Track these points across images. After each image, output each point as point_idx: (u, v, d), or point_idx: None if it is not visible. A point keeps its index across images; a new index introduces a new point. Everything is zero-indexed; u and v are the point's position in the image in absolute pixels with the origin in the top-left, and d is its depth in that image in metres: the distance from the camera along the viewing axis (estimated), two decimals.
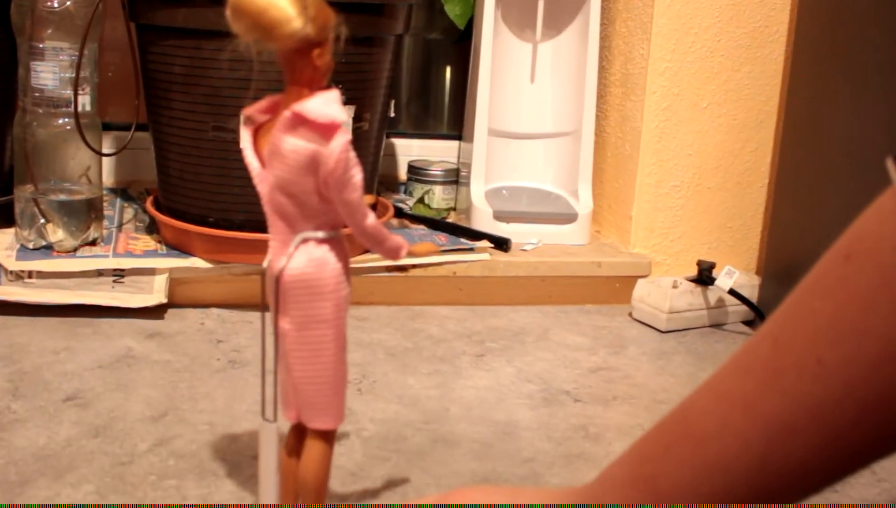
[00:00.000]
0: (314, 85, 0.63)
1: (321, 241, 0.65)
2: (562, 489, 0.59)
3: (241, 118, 0.65)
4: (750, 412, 0.47)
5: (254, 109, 0.66)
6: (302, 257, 0.65)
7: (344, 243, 0.67)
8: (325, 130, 0.61)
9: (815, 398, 0.45)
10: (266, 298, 0.68)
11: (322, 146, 0.61)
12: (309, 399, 0.69)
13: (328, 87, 0.64)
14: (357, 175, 0.62)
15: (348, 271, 0.67)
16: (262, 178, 0.65)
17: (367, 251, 1.34)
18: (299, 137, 0.62)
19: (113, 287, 1.22)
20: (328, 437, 0.70)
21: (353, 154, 0.62)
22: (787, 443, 0.46)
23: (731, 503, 0.49)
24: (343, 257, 0.66)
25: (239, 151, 0.66)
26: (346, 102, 1.26)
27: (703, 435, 0.49)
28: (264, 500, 0.69)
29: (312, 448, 0.70)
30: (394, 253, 0.67)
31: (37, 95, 1.24)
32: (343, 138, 0.61)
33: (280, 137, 0.62)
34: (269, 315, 0.67)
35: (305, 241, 0.65)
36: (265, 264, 0.67)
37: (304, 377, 0.68)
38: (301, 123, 0.62)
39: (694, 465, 0.49)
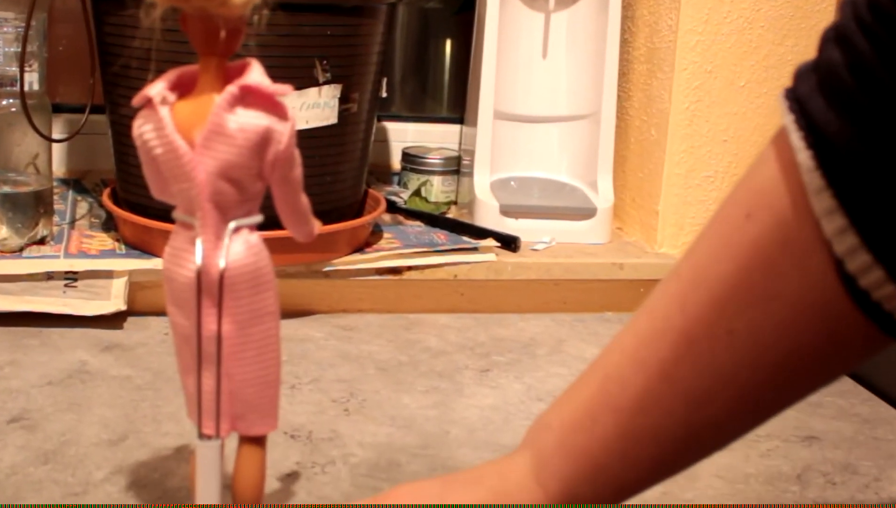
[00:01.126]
0: (230, 54, 0.65)
1: (254, 227, 0.67)
2: (495, 464, 0.67)
3: (156, 98, 0.67)
4: (668, 381, 0.53)
5: (163, 88, 0.66)
6: (240, 247, 0.66)
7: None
8: (278, 106, 0.64)
9: (729, 365, 0.51)
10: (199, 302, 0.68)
11: (274, 123, 0.63)
12: (252, 403, 0.70)
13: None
14: (297, 151, 0.66)
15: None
16: (196, 164, 0.64)
17: (356, 251, 1.34)
18: (248, 115, 0.63)
19: (64, 292, 1.22)
20: (264, 442, 0.73)
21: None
22: (706, 408, 0.53)
23: (663, 463, 0.57)
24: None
25: None
26: (331, 81, 1.26)
27: (627, 406, 0.56)
28: None
29: (253, 457, 0.72)
30: (310, 230, 0.70)
31: None
32: (292, 113, 0.65)
33: (223, 116, 0.63)
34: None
35: (238, 229, 0.66)
36: (196, 264, 0.67)
37: (247, 380, 0.69)
38: (250, 98, 0.63)
39: (623, 435, 0.56)
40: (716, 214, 0.56)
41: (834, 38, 0.49)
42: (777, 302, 0.48)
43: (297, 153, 0.66)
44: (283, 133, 0.63)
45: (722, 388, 0.52)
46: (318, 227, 0.71)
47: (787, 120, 0.48)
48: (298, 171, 0.66)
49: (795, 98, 0.49)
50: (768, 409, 0.54)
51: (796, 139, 0.47)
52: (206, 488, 0.70)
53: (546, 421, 0.63)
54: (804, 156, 0.47)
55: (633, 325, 0.58)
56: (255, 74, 0.64)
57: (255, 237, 0.67)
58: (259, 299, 0.67)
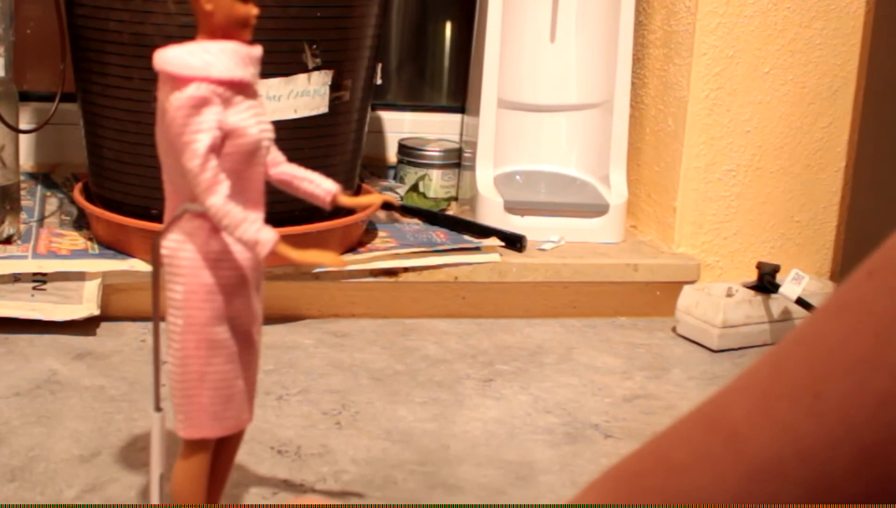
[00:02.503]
0: (217, 34, 0.67)
1: (197, 215, 0.68)
2: None
3: (253, 81, 0.70)
4: (732, 442, 0.49)
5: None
6: (173, 232, 0.69)
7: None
8: (176, 82, 0.66)
9: (809, 435, 0.47)
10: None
11: (166, 101, 0.66)
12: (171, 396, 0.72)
13: (248, 41, 0.69)
14: (198, 141, 0.65)
15: (231, 258, 0.69)
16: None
17: (348, 251, 1.34)
18: (163, 90, 0.67)
19: (33, 296, 1.22)
20: (188, 449, 0.73)
21: (199, 116, 0.65)
22: (768, 482, 0.48)
23: None
24: (220, 239, 0.69)
25: None
26: (321, 67, 1.27)
27: (677, 464, 0.51)
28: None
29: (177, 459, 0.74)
30: (251, 247, 0.68)
31: None
32: (187, 93, 0.65)
33: (158, 90, 0.67)
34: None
35: (183, 214, 0.68)
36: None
37: (169, 368, 0.72)
38: (162, 73, 0.67)
39: (666, 495, 0.52)
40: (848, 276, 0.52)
41: None
42: (880, 373, 0.45)
43: (192, 143, 0.66)
44: (168, 110, 0.66)
45: (794, 460, 0.47)
46: (262, 245, 0.69)
47: None
48: (193, 164, 0.66)
49: None
50: (837, 500, 0.48)
51: None
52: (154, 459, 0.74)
53: (595, 480, 0.59)
54: None
55: (717, 391, 0.54)
56: (176, 50, 0.67)
57: (192, 226, 0.69)
58: (170, 287, 0.70)
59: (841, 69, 1.49)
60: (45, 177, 1.59)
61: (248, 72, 0.68)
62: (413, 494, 0.93)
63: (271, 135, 0.70)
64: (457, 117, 1.71)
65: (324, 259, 0.69)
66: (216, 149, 0.66)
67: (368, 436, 1.03)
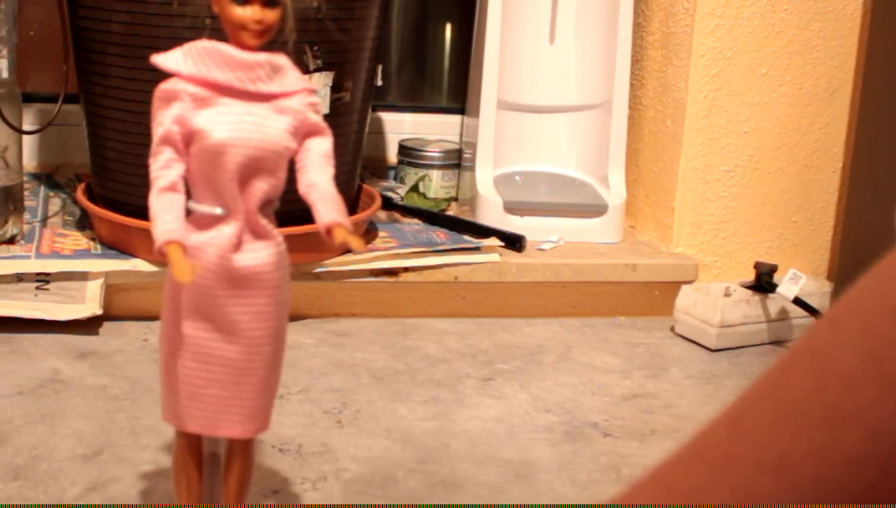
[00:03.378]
0: (230, 39, 0.68)
1: (188, 213, 0.69)
2: None
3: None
4: (687, 502, 0.46)
5: None
6: None
7: (210, 223, 0.69)
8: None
9: (775, 498, 0.44)
10: None
11: None
12: None
13: (282, 49, 0.69)
14: (154, 133, 0.68)
15: (201, 258, 0.69)
16: None
17: (348, 251, 1.34)
18: None
19: (36, 296, 1.22)
20: (175, 433, 0.74)
21: (163, 110, 0.68)
22: None
23: None
24: (196, 238, 0.69)
25: None
26: (322, 68, 1.26)
27: None
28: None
29: None
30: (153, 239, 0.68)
31: None
32: (161, 86, 0.68)
33: None
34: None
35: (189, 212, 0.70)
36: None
37: None
38: None
39: None
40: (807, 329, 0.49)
41: None
42: (846, 427, 0.42)
43: (154, 135, 0.68)
44: None
45: None
46: (156, 243, 0.69)
47: None
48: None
49: None
50: None
51: None
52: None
53: None
54: None
55: (677, 450, 0.50)
56: (173, 51, 0.69)
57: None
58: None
59: (838, 71, 1.49)
60: (49, 177, 1.59)
61: (229, 75, 0.67)
62: (413, 492, 0.93)
63: (266, 145, 0.69)
64: (457, 118, 1.71)
65: (175, 269, 0.66)
66: (173, 142, 0.68)
67: (369, 435, 1.03)
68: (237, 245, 0.69)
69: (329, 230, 0.69)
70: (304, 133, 0.70)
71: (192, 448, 0.74)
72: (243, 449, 0.74)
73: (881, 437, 0.41)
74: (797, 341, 0.45)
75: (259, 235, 0.70)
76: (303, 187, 0.70)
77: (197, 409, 0.71)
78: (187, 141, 0.68)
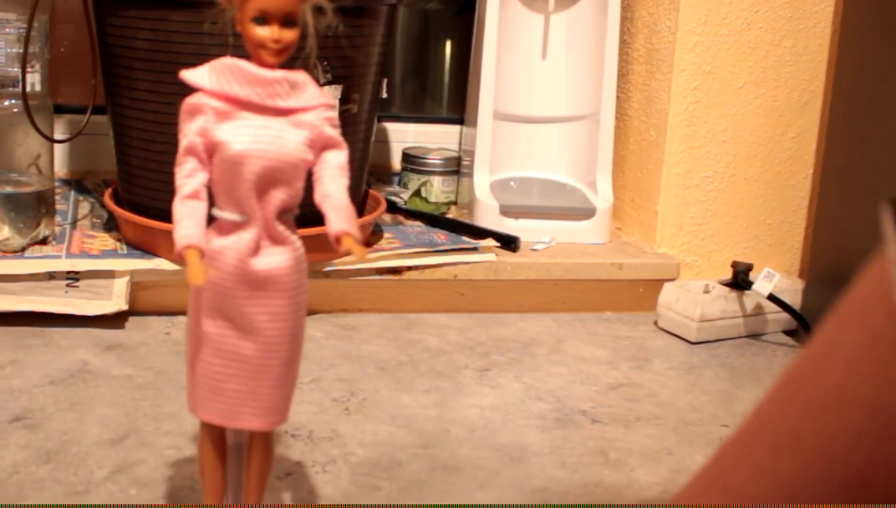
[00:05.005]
0: (252, 56, 0.68)
1: (211, 219, 0.69)
2: None
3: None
4: (724, 490, 0.47)
5: None
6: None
7: (226, 230, 0.69)
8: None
9: (794, 476, 0.45)
10: None
11: None
12: None
13: (298, 66, 0.69)
14: (180, 144, 0.67)
15: (222, 261, 0.69)
16: None
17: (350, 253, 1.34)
18: None
19: (66, 292, 1.22)
20: (200, 424, 0.74)
21: (188, 122, 0.67)
22: None
23: None
24: (217, 242, 0.69)
25: None
26: (332, 82, 1.26)
27: None
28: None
29: None
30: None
31: None
32: (187, 100, 0.67)
33: None
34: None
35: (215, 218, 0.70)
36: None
37: None
38: None
39: None
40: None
41: None
42: (851, 406, 0.43)
43: (179, 145, 0.68)
44: None
45: (783, 502, 0.46)
46: (176, 247, 0.68)
47: (884, 217, 0.44)
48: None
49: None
50: None
51: (889, 232, 0.44)
52: None
53: None
54: (893, 249, 0.44)
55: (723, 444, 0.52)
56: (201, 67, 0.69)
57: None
58: None
59: (809, 84, 1.48)
60: (78, 183, 1.59)
61: (249, 90, 0.67)
62: (416, 475, 0.93)
63: (282, 157, 0.68)
64: (456, 128, 1.71)
65: (190, 274, 0.66)
66: (197, 153, 0.67)
67: (375, 421, 1.03)
68: (256, 250, 0.69)
69: (338, 239, 0.69)
70: (320, 146, 0.70)
71: (216, 439, 0.73)
72: (263, 441, 0.74)
73: (877, 410, 0.42)
74: (814, 335, 0.47)
75: (277, 240, 0.69)
76: (318, 197, 0.70)
77: (217, 402, 0.71)
78: (210, 152, 0.67)
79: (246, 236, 0.68)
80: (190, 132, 0.67)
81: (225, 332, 0.70)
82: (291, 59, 0.68)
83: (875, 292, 0.43)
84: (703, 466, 0.51)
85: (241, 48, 0.69)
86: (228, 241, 0.68)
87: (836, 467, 0.44)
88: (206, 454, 0.73)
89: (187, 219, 0.66)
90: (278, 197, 0.69)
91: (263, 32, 0.66)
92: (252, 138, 0.67)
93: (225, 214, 0.68)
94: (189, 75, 0.67)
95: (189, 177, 0.67)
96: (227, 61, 0.68)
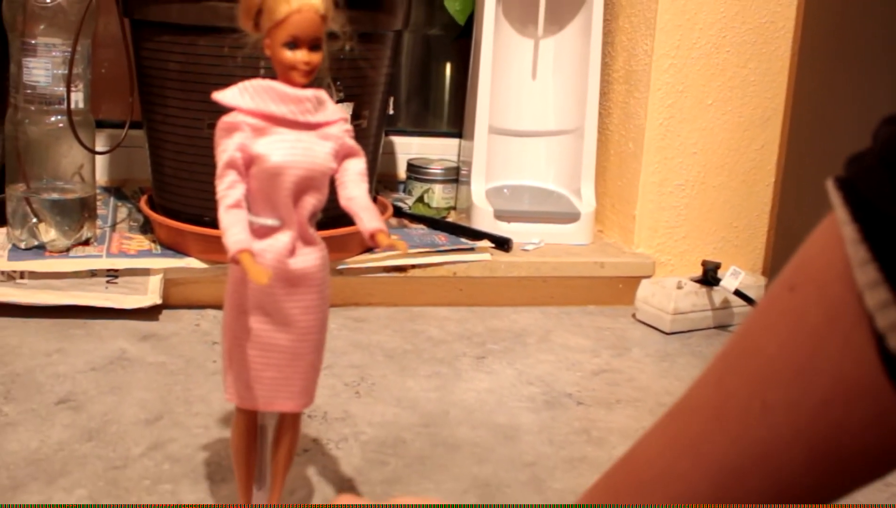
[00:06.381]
0: (280, 77, 0.67)
1: (249, 224, 0.68)
2: None
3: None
4: (695, 457, 0.46)
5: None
6: None
7: (268, 233, 0.69)
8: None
9: (762, 441, 0.44)
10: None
11: None
12: None
13: (312, 85, 0.68)
14: (219, 158, 0.66)
15: (261, 260, 0.68)
16: None
17: (366, 251, 1.34)
18: None
19: (106, 288, 1.22)
20: (235, 411, 0.73)
21: (226, 139, 0.66)
22: (734, 488, 0.45)
23: None
24: (256, 243, 0.68)
25: None
26: (344, 100, 1.26)
27: (649, 480, 0.47)
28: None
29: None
30: (226, 249, 0.67)
31: (29, 91, 1.24)
32: (222, 119, 0.66)
33: None
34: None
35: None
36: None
37: None
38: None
39: None
40: (765, 293, 0.48)
41: (889, 119, 0.45)
42: (817, 377, 0.42)
43: (218, 162, 0.66)
44: None
45: (753, 466, 0.44)
46: (230, 252, 0.66)
47: (835, 198, 0.43)
48: (216, 178, 0.67)
49: (845, 179, 0.44)
50: (807, 498, 0.45)
51: (842, 213, 0.42)
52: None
53: (578, 502, 0.55)
54: (849, 229, 0.42)
55: (672, 406, 0.50)
56: (231, 88, 0.68)
57: None
58: None
59: (771, 102, 1.48)
60: (117, 190, 1.59)
61: (284, 108, 0.67)
62: (419, 451, 0.93)
63: (315, 166, 0.68)
64: (455, 141, 1.71)
65: (252, 274, 0.64)
66: (237, 166, 0.66)
67: (382, 403, 1.03)
68: (292, 251, 0.68)
69: (373, 236, 0.69)
70: (342, 155, 0.70)
71: (250, 423, 0.73)
72: (293, 422, 0.74)
73: (843, 380, 0.41)
74: (760, 306, 0.45)
75: (308, 241, 0.69)
76: (343, 200, 0.70)
77: (256, 390, 0.70)
78: (247, 165, 0.67)
79: (283, 239, 0.68)
80: (229, 148, 0.66)
81: (264, 326, 0.69)
82: (280, 71, 0.68)
83: (833, 270, 0.42)
84: (659, 428, 0.49)
85: (262, 70, 0.69)
86: (266, 244, 0.68)
87: (805, 433, 0.43)
88: (240, 436, 0.73)
89: (235, 226, 0.65)
90: (310, 202, 0.69)
91: (295, 56, 0.66)
92: (287, 151, 0.67)
93: (262, 219, 0.68)
94: (222, 97, 0.67)
95: (231, 188, 0.66)
96: (261, 83, 0.67)
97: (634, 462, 0.50)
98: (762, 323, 0.45)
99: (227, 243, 0.64)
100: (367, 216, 0.69)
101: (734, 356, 0.46)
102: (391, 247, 0.69)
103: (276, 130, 0.67)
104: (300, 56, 0.66)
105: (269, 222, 0.68)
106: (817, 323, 0.42)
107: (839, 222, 0.42)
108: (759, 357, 0.44)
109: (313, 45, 0.66)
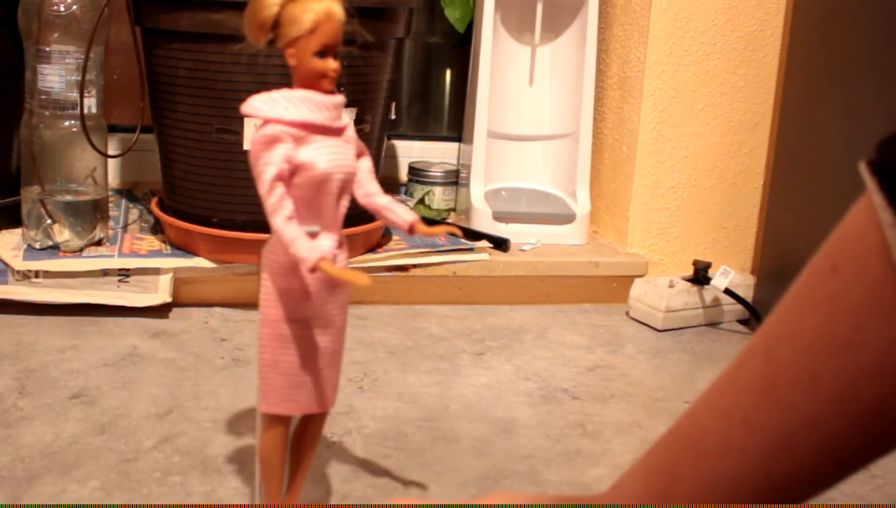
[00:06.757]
0: (302, 84, 0.66)
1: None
2: (575, 497, 0.59)
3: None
4: (749, 428, 0.47)
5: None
6: (265, 247, 0.68)
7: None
8: (261, 123, 0.65)
9: (812, 412, 0.45)
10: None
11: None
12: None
13: (333, 91, 0.67)
14: (266, 172, 0.64)
15: (299, 269, 0.67)
16: None
17: (369, 251, 1.34)
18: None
19: (118, 287, 1.22)
20: (267, 421, 0.70)
21: (269, 151, 0.64)
22: (787, 456, 0.46)
23: None
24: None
25: (242, 153, 0.67)
26: (348, 105, 1.26)
27: (706, 452, 0.49)
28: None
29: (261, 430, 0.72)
30: (299, 262, 0.65)
31: (43, 97, 1.24)
32: (261, 132, 0.64)
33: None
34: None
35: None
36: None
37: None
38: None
39: (701, 481, 0.49)
40: (804, 271, 0.48)
41: None
42: (863, 351, 0.43)
43: (262, 174, 0.64)
44: (249, 147, 0.66)
45: (804, 436, 0.45)
46: (307, 263, 0.64)
47: (870, 183, 0.44)
48: (262, 189, 0.64)
49: (878, 162, 0.45)
50: (852, 460, 0.47)
51: (878, 199, 0.43)
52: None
53: (632, 469, 0.55)
54: (886, 214, 0.43)
55: (719, 378, 0.51)
56: (258, 97, 0.66)
57: (274, 239, 0.67)
58: (261, 286, 0.68)
59: (760, 107, 1.48)
60: (128, 192, 1.59)
61: (322, 116, 0.65)
62: (420, 444, 0.93)
63: (350, 169, 0.67)
64: (455, 145, 1.71)
65: (352, 277, 0.63)
66: (283, 178, 0.64)
67: (385, 398, 1.03)
68: (335, 253, 0.68)
69: (412, 227, 0.69)
70: (356, 155, 0.70)
71: (286, 430, 0.71)
72: (321, 420, 0.73)
73: (886, 355, 0.43)
74: (802, 285, 0.47)
75: (341, 243, 0.69)
76: (362, 198, 0.70)
77: (301, 395, 0.69)
78: (291, 174, 0.65)
79: (327, 243, 0.67)
80: (274, 160, 0.64)
81: (307, 332, 0.68)
82: (301, 79, 0.68)
83: (872, 251, 0.43)
84: (712, 400, 0.50)
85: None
86: None
87: (850, 403, 0.44)
88: (274, 445, 0.70)
89: (301, 237, 0.63)
90: (344, 205, 0.69)
91: (326, 64, 0.65)
92: (329, 157, 0.66)
93: (305, 227, 0.66)
94: (258, 110, 0.64)
95: (283, 200, 0.64)
96: (294, 93, 0.65)
97: (690, 432, 0.51)
98: (807, 302, 0.46)
99: (301, 253, 0.62)
100: (401, 209, 0.70)
101: (781, 332, 0.47)
102: (430, 235, 0.69)
103: (313, 137, 0.66)
104: (331, 63, 0.65)
105: (313, 228, 0.67)
106: (860, 301, 0.43)
107: (876, 206, 0.43)
108: (806, 334, 0.45)
109: (335, 53, 0.66)
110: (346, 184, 0.68)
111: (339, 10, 0.65)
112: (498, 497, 0.60)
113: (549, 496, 0.59)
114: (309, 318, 0.68)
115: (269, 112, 0.64)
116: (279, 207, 0.63)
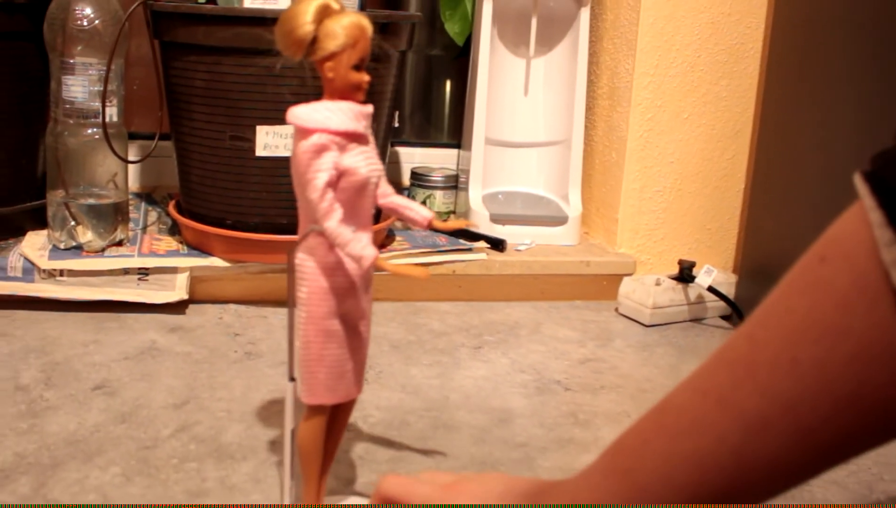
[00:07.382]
0: (336, 96, 0.66)
1: (318, 234, 0.66)
2: (548, 481, 0.57)
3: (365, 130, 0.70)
4: (724, 406, 0.45)
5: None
6: (302, 247, 0.67)
7: None
8: (301, 133, 0.64)
9: (790, 394, 0.43)
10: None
11: (297, 147, 0.65)
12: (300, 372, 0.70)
13: (364, 102, 0.67)
14: (318, 178, 0.64)
15: (343, 268, 0.67)
16: None
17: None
18: (296, 138, 0.66)
19: (138, 285, 1.22)
20: (309, 412, 0.70)
21: (319, 159, 0.64)
22: (760, 437, 0.44)
23: (704, 495, 0.46)
24: (336, 253, 0.67)
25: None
26: None
27: (678, 429, 0.47)
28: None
29: (302, 420, 0.71)
30: (356, 261, 0.66)
31: (67, 106, 1.25)
32: (311, 141, 0.64)
33: (293, 140, 0.66)
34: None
35: (309, 233, 0.67)
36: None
37: (298, 350, 0.69)
38: (294, 126, 0.66)
39: (669, 458, 0.47)
40: (793, 266, 0.47)
41: None
42: (845, 339, 0.42)
43: (313, 180, 0.64)
44: (296, 155, 0.65)
45: (778, 418, 0.43)
46: (365, 259, 0.65)
47: (862, 188, 0.43)
48: (314, 195, 0.64)
49: (870, 172, 0.44)
50: (824, 453, 0.44)
51: (869, 201, 0.43)
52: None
53: (606, 449, 0.53)
54: (876, 215, 0.42)
55: (704, 362, 0.48)
56: (302, 108, 0.65)
57: (314, 243, 0.67)
58: (299, 288, 0.68)
59: (741, 115, 1.48)
60: (148, 196, 1.59)
61: (360, 125, 0.66)
62: (421, 432, 0.93)
63: (380, 173, 0.68)
64: (454, 151, 1.71)
65: (412, 271, 0.64)
66: (333, 184, 0.64)
67: (389, 389, 1.03)
68: None
69: (430, 223, 0.69)
70: None
71: (325, 421, 0.71)
72: (351, 404, 0.73)
73: (868, 342, 0.42)
74: (792, 273, 0.46)
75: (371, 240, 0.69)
76: (379, 198, 0.70)
77: (342, 384, 0.69)
78: (337, 179, 0.65)
79: (365, 241, 0.67)
80: (324, 167, 0.64)
81: (347, 325, 0.68)
82: (320, 96, 0.68)
83: (861, 247, 0.42)
84: (689, 382, 0.48)
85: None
86: None
87: (830, 387, 0.43)
88: (316, 435, 0.70)
89: (356, 238, 0.64)
90: (373, 205, 0.69)
91: (361, 76, 0.65)
92: (366, 162, 0.66)
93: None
94: (309, 121, 0.64)
95: (335, 204, 0.64)
96: (337, 104, 0.65)
97: (666, 412, 0.49)
98: (794, 288, 0.45)
99: (358, 252, 0.64)
100: (418, 208, 0.71)
101: (766, 315, 0.46)
102: (447, 230, 0.69)
103: (351, 144, 0.66)
104: (365, 76, 0.66)
105: (350, 228, 0.67)
106: (846, 290, 0.42)
107: (867, 208, 0.43)
108: (790, 317, 0.44)
109: (367, 66, 0.66)
110: (377, 187, 0.69)
111: (369, 26, 0.65)
112: (474, 483, 0.58)
113: (522, 486, 0.57)
114: (348, 312, 0.69)
115: (320, 122, 0.64)
116: (332, 210, 0.64)
